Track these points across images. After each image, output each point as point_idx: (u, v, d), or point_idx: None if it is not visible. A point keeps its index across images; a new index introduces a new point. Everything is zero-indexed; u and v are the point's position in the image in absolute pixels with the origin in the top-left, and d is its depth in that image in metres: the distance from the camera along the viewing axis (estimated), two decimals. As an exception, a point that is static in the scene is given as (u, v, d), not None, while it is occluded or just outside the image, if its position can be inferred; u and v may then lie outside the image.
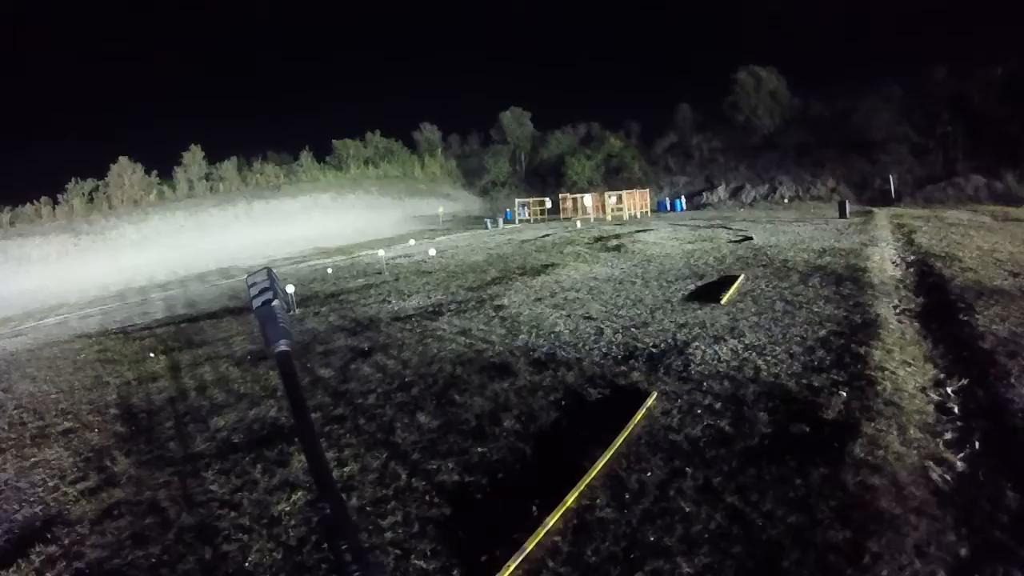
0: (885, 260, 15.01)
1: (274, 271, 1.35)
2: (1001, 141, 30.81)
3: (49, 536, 5.50)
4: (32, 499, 6.35)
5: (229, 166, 51.95)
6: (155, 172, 47.88)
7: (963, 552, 4.05)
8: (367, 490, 5.63)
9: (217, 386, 9.73)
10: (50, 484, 6.67)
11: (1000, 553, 4.05)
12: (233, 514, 5.52)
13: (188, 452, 7.14)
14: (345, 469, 6.10)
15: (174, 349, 12.84)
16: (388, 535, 4.83)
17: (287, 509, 5.48)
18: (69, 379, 11.32)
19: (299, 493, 5.73)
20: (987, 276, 12.00)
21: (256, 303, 1.26)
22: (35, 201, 42.10)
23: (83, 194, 44.09)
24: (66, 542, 5.38)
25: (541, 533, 4.45)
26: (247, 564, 4.71)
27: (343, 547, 0.93)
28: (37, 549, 5.28)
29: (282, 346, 1.21)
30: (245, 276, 1.38)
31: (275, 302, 1.26)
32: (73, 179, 44.10)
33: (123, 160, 45.42)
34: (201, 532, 5.30)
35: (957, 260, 13.80)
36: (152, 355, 12.49)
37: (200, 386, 9.84)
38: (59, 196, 43.26)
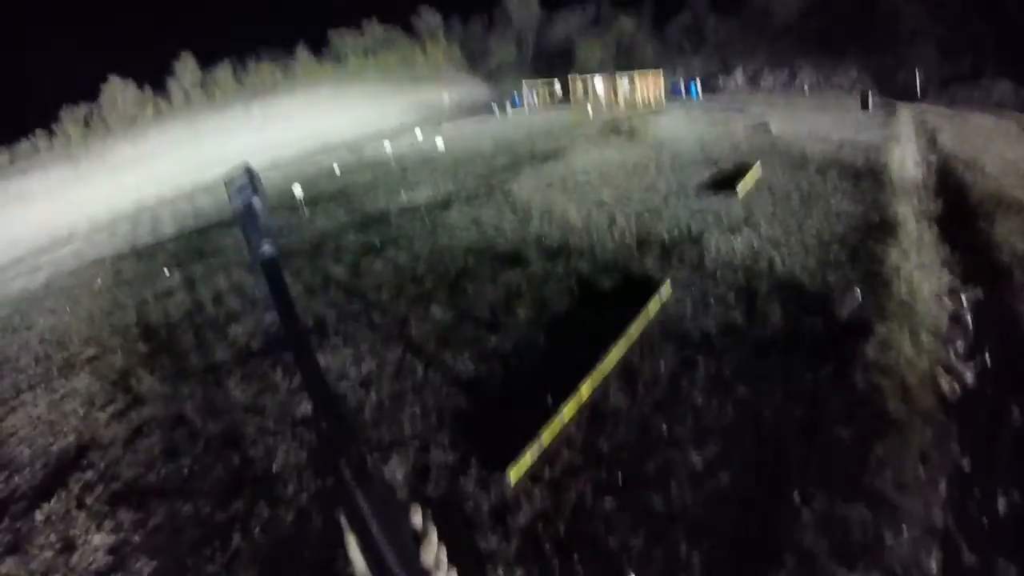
0: (906, 158, 14.58)
1: (252, 167, 1.21)
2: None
3: (85, 463, 5.64)
4: (65, 429, 6.46)
5: (223, 71, 49.74)
6: (148, 87, 45.87)
7: (964, 463, 4.11)
8: (384, 385, 5.73)
9: (232, 294, 9.72)
10: (80, 412, 6.77)
11: (1000, 469, 4.11)
12: (257, 419, 5.66)
13: (209, 363, 7.23)
14: (362, 365, 6.18)
15: (187, 262, 12.68)
16: (407, 428, 4.94)
17: (309, 409, 5.58)
18: (88, 307, 11.25)
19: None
20: (1008, 186, 11.63)
21: (235, 204, 1.12)
22: (31, 136, 40.50)
23: (78, 121, 42.49)
24: (101, 466, 5.53)
25: (556, 423, 4.53)
26: (274, 467, 4.88)
27: (342, 464, 0.85)
28: (75, 476, 5.43)
29: (266, 248, 1.08)
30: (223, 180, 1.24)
31: (255, 200, 1.12)
32: (65, 106, 42.35)
33: (114, 79, 43.33)
34: (228, 439, 5.46)
35: (979, 167, 13.37)
36: (166, 271, 12.36)
37: (215, 296, 9.81)
38: (54, 127, 41.73)
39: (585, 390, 4.93)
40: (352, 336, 6.97)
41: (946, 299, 6.74)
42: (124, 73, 44.39)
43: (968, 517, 3.71)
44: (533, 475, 4.17)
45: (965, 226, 9.26)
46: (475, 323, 6.71)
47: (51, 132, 42.02)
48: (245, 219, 1.10)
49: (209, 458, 5.23)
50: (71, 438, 6.28)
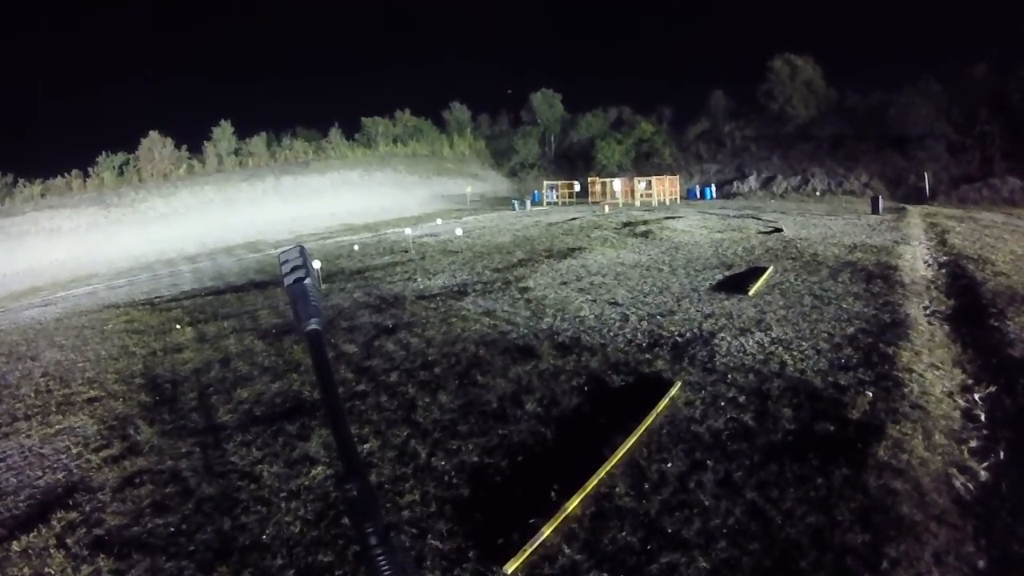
0: (917, 259, 14.73)
1: (306, 248, 1.37)
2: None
3: (70, 502, 5.64)
4: (55, 465, 6.51)
5: (258, 141, 52.25)
6: (185, 147, 48.37)
7: (981, 564, 4.01)
8: (386, 467, 5.72)
9: (241, 358, 9.86)
10: (73, 451, 6.83)
11: (1019, 568, 4.02)
12: (253, 486, 5.64)
13: (211, 423, 7.29)
14: (365, 445, 6.19)
15: (200, 321, 12.99)
16: (406, 513, 4.90)
17: (306, 484, 5.59)
18: (96, 348, 11.48)
19: (318, 468, 5.83)
20: (1020, 282, 11.72)
21: (288, 280, 1.28)
22: (66, 174, 42.73)
23: (113, 167, 44.74)
24: (87, 508, 5.52)
25: (559, 518, 4.49)
26: (264, 536, 4.81)
27: (368, 530, 0.96)
28: (58, 515, 5.42)
29: (313, 325, 1.22)
30: (276, 253, 1.39)
31: (307, 280, 1.27)
32: (104, 152, 44.80)
33: (153, 134, 45.89)
34: (220, 503, 5.42)
35: (990, 263, 13.50)
36: (178, 326, 12.66)
37: (225, 358, 9.97)
38: (90, 169, 43.94)
39: (591, 486, 4.89)
40: (357, 415, 7.01)
41: (959, 398, 6.69)
42: (164, 130, 46.63)
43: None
44: (532, 571, 4.09)
45: (977, 323, 9.31)
46: (482, 413, 6.72)
47: (86, 174, 43.70)
48: (296, 295, 1.25)
49: (199, 519, 5.16)
50: (60, 475, 6.26)
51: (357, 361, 9.07)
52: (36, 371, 10.23)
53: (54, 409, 8.23)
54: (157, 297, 17.30)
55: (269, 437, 6.67)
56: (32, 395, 8.95)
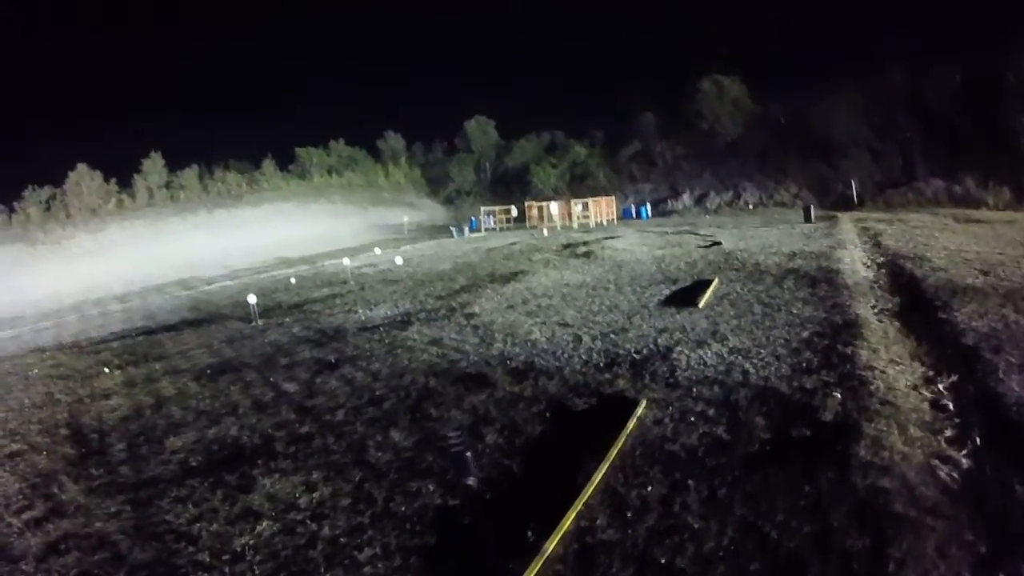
0: (856, 262, 15.01)
1: None
2: (959, 144, 31.48)
3: None
4: None
5: (190, 174, 50.60)
6: (114, 180, 46.44)
7: (983, 550, 3.91)
8: (340, 518, 5.16)
9: (174, 402, 9.18)
10: None
11: (1020, 546, 3.94)
12: (191, 549, 5.02)
13: (142, 477, 6.61)
14: (314, 495, 5.63)
15: (130, 364, 12.21)
16: (367, 570, 4.37)
17: (250, 542, 4.99)
18: (19, 396, 10.65)
19: (263, 524, 5.23)
20: (958, 275, 12.00)
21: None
22: None
23: (40, 202, 42.48)
24: None
25: (539, 562, 4.05)
26: None
27: None
28: None
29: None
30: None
31: None
32: (30, 187, 42.53)
33: (82, 167, 43.91)
34: (155, 569, 4.81)
35: (927, 260, 13.84)
36: (107, 370, 11.85)
37: (156, 403, 9.28)
38: (15, 204, 41.68)
39: (569, 522, 4.48)
40: (303, 460, 6.44)
41: (924, 390, 6.65)
42: (93, 163, 44.62)
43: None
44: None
45: (926, 317, 9.43)
46: (440, 450, 6.22)
47: (11, 210, 41.37)
48: None
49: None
50: (-23, 542, 5.52)
51: (299, 400, 8.48)
52: (-48, 422, 9.32)
53: (-30, 466, 7.43)
54: (85, 339, 16.30)
55: (207, 490, 6.05)
56: (-53, 450, 8.10)
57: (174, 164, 50.38)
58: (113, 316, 21.00)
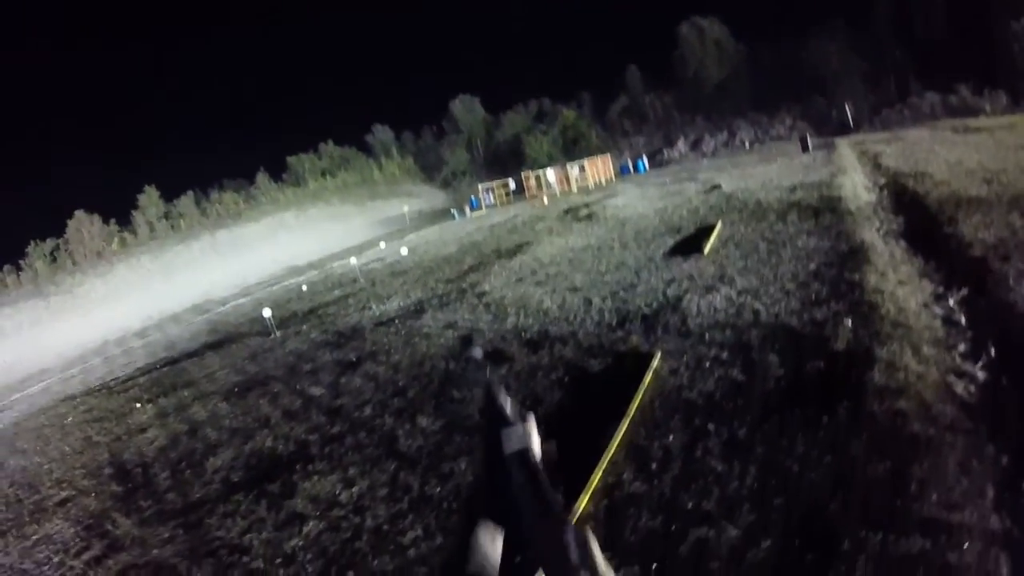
0: (857, 186, 14.94)
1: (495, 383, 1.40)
2: (950, 56, 30.95)
3: None
4: None
5: (187, 201, 51.03)
6: (113, 220, 46.83)
7: (1005, 461, 3.89)
8: (380, 508, 5.33)
9: (208, 425, 9.36)
10: (55, 560, 6.31)
11: None
12: (245, 559, 5.20)
13: (189, 500, 6.80)
14: (353, 490, 5.80)
15: (159, 395, 12.43)
16: (411, 552, 4.54)
17: (300, 544, 5.17)
18: (59, 446, 10.91)
19: (309, 524, 5.41)
20: (961, 187, 11.92)
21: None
22: None
23: (45, 255, 42.97)
24: None
25: (573, 521, 4.19)
26: None
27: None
28: None
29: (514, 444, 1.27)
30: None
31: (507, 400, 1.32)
32: (33, 242, 43.00)
33: (79, 213, 44.33)
34: None
35: (928, 176, 13.74)
36: (138, 405, 12.09)
37: (191, 428, 9.46)
38: (21, 262, 42.11)
39: (596, 480, 4.61)
40: (339, 459, 6.61)
41: (935, 307, 6.64)
42: (89, 207, 45.26)
43: (1024, 512, 3.49)
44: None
45: (931, 233, 9.36)
46: (467, 430, 6.37)
47: (18, 268, 41.95)
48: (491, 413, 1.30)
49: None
50: (45, 588, 5.74)
51: (327, 403, 8.65)
52: (3, 483, 9.67)
53: (27, 519, 7.70)
54: (112, 380, 16.59)
55: (252, 502, 6.23)
56: (3, 508, 8.42)
57: (169, 194, 50.96)
58: (136, 352, 21.34)
